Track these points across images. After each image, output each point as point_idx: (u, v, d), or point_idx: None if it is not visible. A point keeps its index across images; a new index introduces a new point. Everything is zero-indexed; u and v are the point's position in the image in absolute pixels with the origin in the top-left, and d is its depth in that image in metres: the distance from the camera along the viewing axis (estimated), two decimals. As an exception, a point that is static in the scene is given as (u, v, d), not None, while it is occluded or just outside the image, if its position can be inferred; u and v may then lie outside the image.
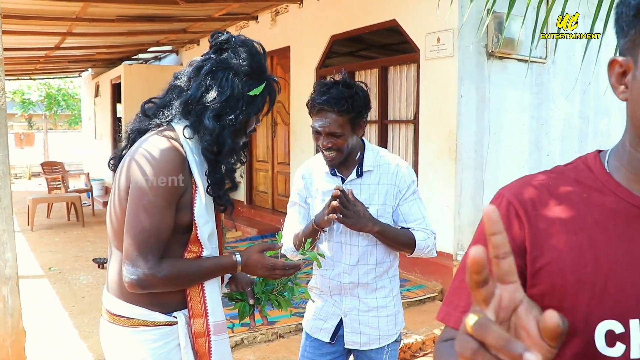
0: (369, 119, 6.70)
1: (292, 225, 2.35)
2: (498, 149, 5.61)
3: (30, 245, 7.86)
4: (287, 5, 7.69)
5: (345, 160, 2.23)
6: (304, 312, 4.65)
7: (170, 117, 1.69)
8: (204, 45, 10.23)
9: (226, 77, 1.65)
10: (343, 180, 2.25)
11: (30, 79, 17.95)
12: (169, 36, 9.72)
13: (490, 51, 5.35)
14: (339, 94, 2.10)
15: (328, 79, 2.21)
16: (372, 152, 2.28)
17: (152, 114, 1.74)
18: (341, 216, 2.06)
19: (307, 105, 2.22)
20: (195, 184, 1.65)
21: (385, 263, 2.26)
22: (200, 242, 1.67)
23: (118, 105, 12.38)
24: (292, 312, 4.63)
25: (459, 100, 5.20)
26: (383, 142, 6.38)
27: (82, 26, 7.94)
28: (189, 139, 1.65)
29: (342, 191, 2.05)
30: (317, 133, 2.18)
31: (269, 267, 1.77)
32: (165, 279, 1.57)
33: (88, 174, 11.36)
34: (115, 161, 1.78)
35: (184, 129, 1.65)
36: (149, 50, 11.72)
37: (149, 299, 1.64)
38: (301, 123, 7.57)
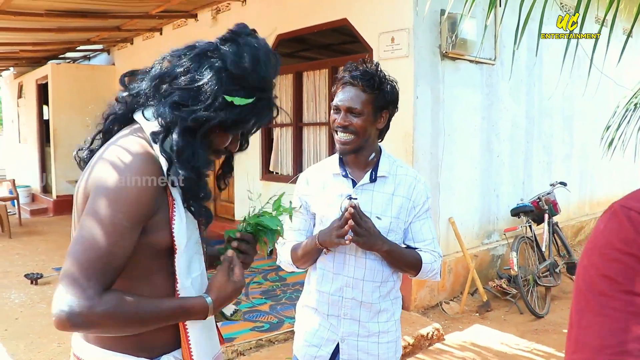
0: (318, 120, 6.52)
1: (291, 234, 2.15)
2: (452, 150, 5.56)
3: (-50, 260, 7.19)
4: (228, 3, 7.40)
5: (357, 155, 2.04)
6: (262, 327, 4.47)
7: (135, 95, 1.40)
8: (138, 45, 9.78)
9: (212, 66, 1.33)
10: (354, 184, 2.05)
11: (-56, 78, 16.64)
12: (101, 34, 9.17)
13: (444, 52, 5.28)
14: (368, 71, 1.98)
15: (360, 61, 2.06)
16: (389, 159, 2.10)
17: (134, 93, 1.41)
18: (353, 236, 1.87)
19: (334, 85, 2.08)
20: (172, 196, 1.35)
21: (389, 282, 2.06)
22: (176, 274, 1.37)
23: (45, 107, 11.64)
24: (251, 326, 4.36)
25: (415, 102, 5.10)
26: (333, 144, 6.19)
27: (6, 20, 7.31)
28: (147, 120, 1.36)
29: (355, 207, 1.86)
30: (336, 110, 2.02)
31: (238, 284, 1.44)
32: (106, 316, 1.20)
33: (13, 180, 10.59)
34: (87, 154, 1.46)
35: (143, 111, 1.37)
36: (77, 49, 11.06)
37: (129, 341, 1.33)
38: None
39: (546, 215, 5.92)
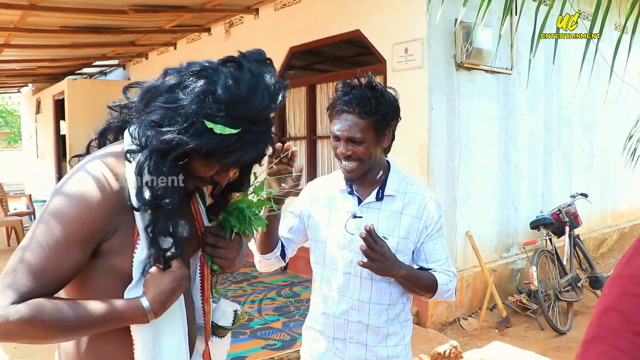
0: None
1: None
2: (468, 162, 5.44)
3: (-34, 276, 7.17)
4: (241, 17, 7.38)
5: (364, 176, 1.94)
6: (274, 345, 4.36)
7: (127, 109, 1.31)
8: (153, 59, 9.81)
9: (199, 87, 1.19)
10: (360, 202, 1.95)
11: (-35, 95, 16.93)
12: (116, 49, 9.23)
13: (459, 62, 5.18)
14: (362, 94, 1.83)
15: (352, 80, 1.93)
16: (398, 176, 2.00)
17: (124, 105, 1.34)
18: (366, 260, 1.77)
19: (327, 110, 1.95)
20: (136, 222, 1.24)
21: (398, 305, 1.95)
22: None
23: (62, 122, 11.73)
24: (263, 344, 4.25)
25: (430, 113, 4.99)
26: (348, 157, 6.11)
27: (22, 37, 7.39)
28: (131, 137, 1.25)
29: (369, 231, 1.74)
30: (335, 139, 1.91)
31: (176, 273, 1.25)
32: (22, 325, 1.09)
33: (30, 195, 10.65)
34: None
35: (129, 127, 1.27)
36: (94, 64, 11.16)
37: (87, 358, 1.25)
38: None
39: (567, 228, 5.76)
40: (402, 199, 1.94)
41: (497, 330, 5.15)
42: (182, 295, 1.31)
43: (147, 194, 1.19)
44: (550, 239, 5.62)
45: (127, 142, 1.27)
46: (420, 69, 4.99)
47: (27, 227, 9.95)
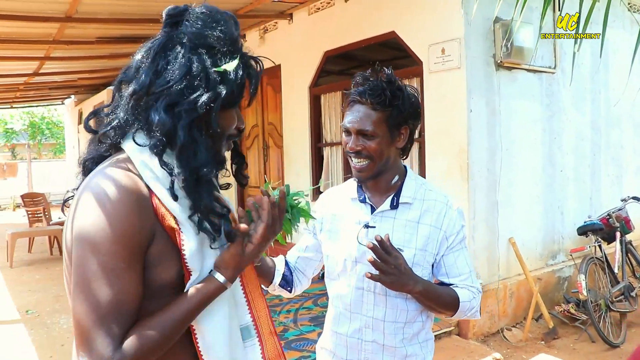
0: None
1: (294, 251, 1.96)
2: (511, 165, 5.21)
3: (8, 284, 7.31)
4: (276, 22, 7.33)
5: (377, 180, 1.79)
6: (309, 357, 4.23)
7: (114, 126, 1.20)
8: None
9: (182, 52, 1.17)
10: (373, 210, 1.79)
11: (12, 107, 17.41)
12: (152, 58, 9.32)
13: (498, 61, 4.97)
14: (376, 85, 1.69)
15: (369, 72, 1.78)
16: (415, 182, 1.82)
17: (103, 132, 1.24)
18: (379, 274, 1.61)
19: (342, 106, 1.81)
20: (176, 220, 1.16)
21: (416, 323, 1.77)
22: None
23: (102, 132, 11.94)
24: (298, 356, 4.14)
25: (469, 115, 4.79)
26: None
27: (61, 49, 7.54)
28: (143, 146, 1.17)
29: (381, 242, 1.58)
30: (346, 133, 1.76)
31: (254, 257, 1.27)
32: (140, 358, 1.09)
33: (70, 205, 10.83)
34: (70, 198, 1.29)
35: (134, 136, 1.18)
36: (133, 74, 11.31)
37: None
38: (295, 145, 7.15)
39: (618, 234, 5.45)
40: (419, 206, 1.77)
41: (543, 342, 4.90)
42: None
43: (184, 174, 1.15)
44: (599, 246, 5.33)
45: (135, 151, 1.19)
46: (458, 70, 4.81)
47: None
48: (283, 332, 4.77)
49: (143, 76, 1.17)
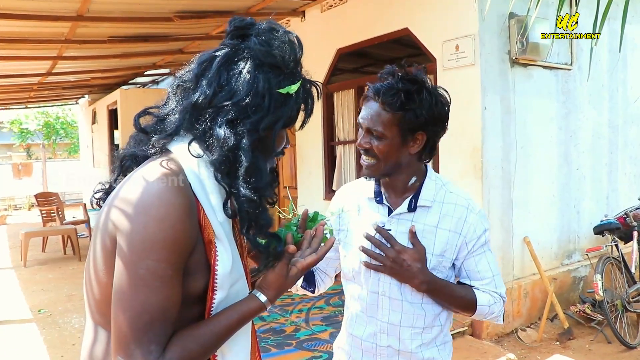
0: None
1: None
2: (526, 164, 5.13)
3: (21, 283, 7.35)
4: (288, 20, 7.29)
5: (392, 179, 1.71)
6: (320, 357, 4.19)
7: (169, 132, 1.19)
8: (203, 66, 9.83)
9: (247, 68, 1.16)
10: (390, 212, 1.71)
11: (26, 107, 17.54)
12: (165, 57, 9.32)
13: (513, 58, 4.89)
14: (392, 84, 1.59)
15: (394, 67, 1.69)
16: (435, 184, 1.73)
17: (151, 131, 1.23)
18: (375, 263, 1.61)
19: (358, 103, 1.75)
20: (215, 233, 1.14)
21: (435, 328, 1.71)
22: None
23: (115, 131, 11.97)
24: (309, 356, 4.09)
25: (483, 113, 4.72)
26: (397, 160, 5.90)
27: (73, 48, 7.55)
28: (197, 157, 1.15)
29: (379, 230, 1.57)
30: (360, 127, 1.69)
31: (295, 280, 1.29)
32: None
33: (85, 204, 10.88)
34: (102, 196, 1.29)
35: (189, 146, 1.15)
36: (145, 73, 11.33)
37: None
38: (308, 144, 7.11)
39: (635, 233, 5.35)
40: (438, 210, 1.69)
41: (558, 343, 4.82)
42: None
43: (246, 193, 1.15)
44: (616, 245, 5.24)
45: (184, 154, 1.17)
46: (472, 67, 4.74)
47: (82, 235, 10.18)
48: (294, 331, 4.73)
49: (206, 87, 1.15)
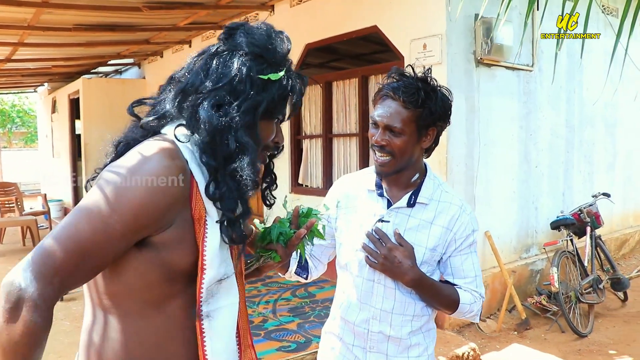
0: (348, 131, 6.34)
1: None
2: (488, 161, 5.31)
3: (-20, 274, 7.18)
4: (257, 13, 7.30)
5: (398, 175, 1.81)
6: (289, 347, 4.27)
7: (159, 115, 1.27)
8: (168, 57, 9.77)
9: (232, 57, 1.24)
10: (390, 205, 1.82)
11: (-18, 94, 17.07)
12: (130, 47, 9.20)
13: (479, 58, 5.06)
14: (411, 83, 1.71)
15: (406, 68, 1.81)
16: (434, 183, 1.85)
17: (146, 120, 1.30)
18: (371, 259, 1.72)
19: (373, 98, 1.84)
20: (206, 210, 1.20)
21: (424, 317, 1.84)
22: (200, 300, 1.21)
23: (77, 121, 11.74)
24: (277, 346, 4.16)
25: (449, 110, 4.86)
26: (365, 158, 6.02)
27: (36, 35, 7.38)
28: (183, 141, 1.21)
29: (377, 230, 1.69)
30: (374, 126, 1.78)
31: None
32: (25, 330, 1.02)
33: (45, 195, 10.67)
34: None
35: (175, 129, 1.22)
36: (109, 63, 11.14)
37: None
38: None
39: (588, 228, 5.61)
40: (434, 207, 1.81)
41: (516, 333, 5.03)
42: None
43: (226, 178, 1.20)
44: (571, 240, 5.49)
45: (174, 135, 1.23)
46: (439, 65, 4.88)
47: (42, 226, 9.98)
48: (262, 322, 4.80)
49: (193, 76, 1.25)
